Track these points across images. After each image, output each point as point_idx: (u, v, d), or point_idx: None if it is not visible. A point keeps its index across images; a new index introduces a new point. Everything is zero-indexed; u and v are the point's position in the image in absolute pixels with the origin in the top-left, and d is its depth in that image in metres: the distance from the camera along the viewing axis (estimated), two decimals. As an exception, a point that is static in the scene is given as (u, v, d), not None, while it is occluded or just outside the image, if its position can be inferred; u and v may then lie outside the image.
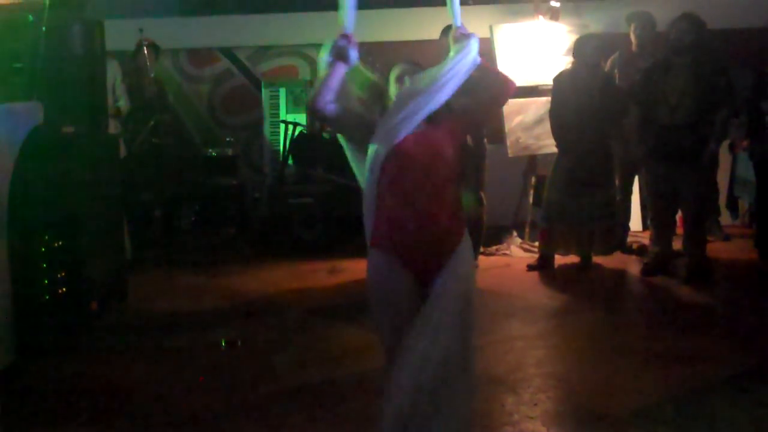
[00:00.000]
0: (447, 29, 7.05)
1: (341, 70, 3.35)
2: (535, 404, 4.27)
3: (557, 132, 6.98)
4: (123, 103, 7.53)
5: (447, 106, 3.33)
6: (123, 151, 7.18)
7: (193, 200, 8.71)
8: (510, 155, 7.86)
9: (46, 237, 5.26)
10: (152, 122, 7.77)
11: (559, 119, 6.92)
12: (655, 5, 7.59)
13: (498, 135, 7.66)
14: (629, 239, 7.70)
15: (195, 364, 5.04)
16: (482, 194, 7.11)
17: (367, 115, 3.42)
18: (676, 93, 6.44)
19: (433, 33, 7.45)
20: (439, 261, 3.23)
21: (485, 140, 7.17)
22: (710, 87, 6.43)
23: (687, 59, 6.47)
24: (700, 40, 6.56)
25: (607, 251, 7.14)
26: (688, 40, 6.45)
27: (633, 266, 7.17)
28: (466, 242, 3.33)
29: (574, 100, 6.79)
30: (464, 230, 3.35)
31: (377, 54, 8.95)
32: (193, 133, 9.33)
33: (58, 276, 5.35)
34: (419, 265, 3.23)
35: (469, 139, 6.93)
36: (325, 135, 8.26)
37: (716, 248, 7.46)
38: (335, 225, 8.00)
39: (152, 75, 7.96)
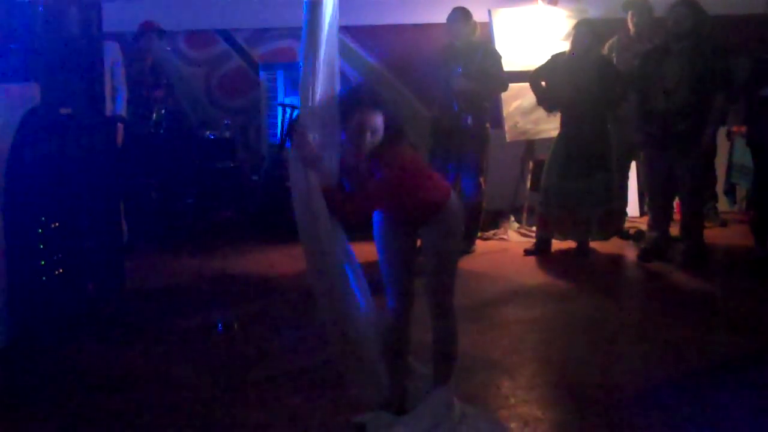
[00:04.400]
0: (459, 13, 7.05)
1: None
2: (532, 388, 4.29)
3: (537, 92, 7.09)
4: (122, 97, 7.28)
5: None
6: (120, 137, 7.11)
7: (190, 183, 8.70)
8: (508, 140, 7.85)
9: (43, 219, 5.26)
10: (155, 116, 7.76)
11: (549, 95, 6.98)
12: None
13: (496, 120, 7.65)
14: (626, 224, 7.71)
15: (191, 346, 5.05)
16: (482, 180, 7.11)
17: None
18: (673, 79, 6.45)
19: (435, 16, 7.47)
20: (426, 217, 3.64)
21: (488, 125, 7.17)
22: (707, 72, 6.43)
23: (685, 45, 6.47)
24: (698, 26, 6.55)
25: (605, 236, 7.14)
26: (688, 25, 6.45)
27: (630, 252, 7.19)
28: (451, 204, 3.68)
29: (570, 85, 6.78)
30: (449, 191, 3.74)
31: (376, 38, 9.00)
32: (190, 116, 9.30)
33: (55, 258, 5.35)
34: (410, 220, 3.66)
35: (469, 120, 6.95)
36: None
37: (713, 234, 7.47)
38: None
39: (152, 60, 7.92)
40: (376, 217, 3.73)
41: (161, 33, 7.98)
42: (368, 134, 3.46)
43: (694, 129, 6.46)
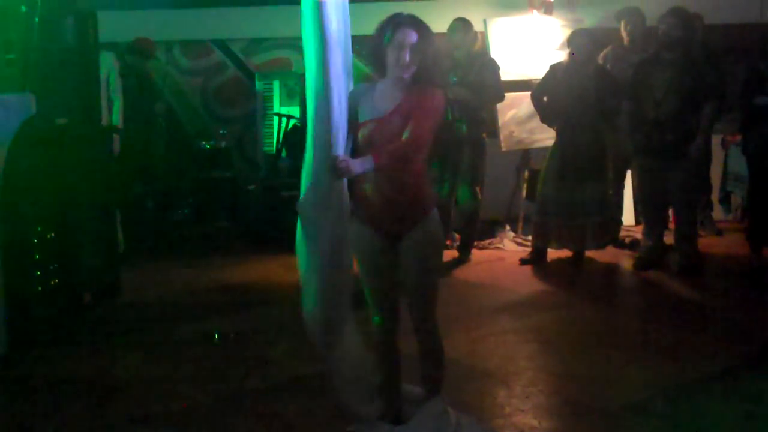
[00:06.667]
0: (459, 23, 7.05)
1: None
2: (527, 397, 4.29)
3: (539, 109, 7.08)
4: (117, 106, 7.32)
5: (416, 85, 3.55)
6: (117, 147, 7.13)
7: (187, 193, 8.70)
8: (503, 149, 7.86)
9: (39, 229, 5.26)
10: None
11: (550, 110, 6.98)
12: (646, 0, 7.59)
13: (491, 129, 7.65)
14: (622, 233, 7.71)
15: (188, 356, 5.05)
16: (477, 189, 7.11)
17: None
18: (662, 88, 6.46)
19: (433, 26, 7.43)
20: (406, 228, 3.60)
21: (484, 135, 7.17)
22: (696, 82, 6.44)
23: (675, 54, 6.50)
24: (688, 35, 6.58)
25: (600, 245, 7.15)
26: (677, 35, 6.47)
27: (625, 260, 7.18)
28: (434, 214, 3.66)
29: (567, 94, 6.80)
30: (431, 203, 3.69)
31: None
32: (186, 126, 9.31)
33: (51, 268, 5.35)
34: (388, 230, 3.62)
35: (464, 128, 6.95)
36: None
37: (709, 243, 7.48)
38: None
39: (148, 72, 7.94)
40: (356, 234, 3.65)
41: (149, 54, 7.95)
42: (406, 51, 3.47)
43: (684, 138, 6.47)
